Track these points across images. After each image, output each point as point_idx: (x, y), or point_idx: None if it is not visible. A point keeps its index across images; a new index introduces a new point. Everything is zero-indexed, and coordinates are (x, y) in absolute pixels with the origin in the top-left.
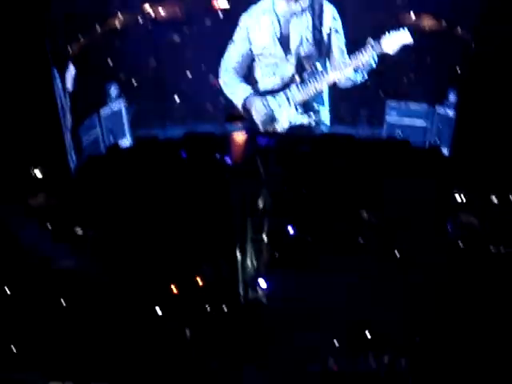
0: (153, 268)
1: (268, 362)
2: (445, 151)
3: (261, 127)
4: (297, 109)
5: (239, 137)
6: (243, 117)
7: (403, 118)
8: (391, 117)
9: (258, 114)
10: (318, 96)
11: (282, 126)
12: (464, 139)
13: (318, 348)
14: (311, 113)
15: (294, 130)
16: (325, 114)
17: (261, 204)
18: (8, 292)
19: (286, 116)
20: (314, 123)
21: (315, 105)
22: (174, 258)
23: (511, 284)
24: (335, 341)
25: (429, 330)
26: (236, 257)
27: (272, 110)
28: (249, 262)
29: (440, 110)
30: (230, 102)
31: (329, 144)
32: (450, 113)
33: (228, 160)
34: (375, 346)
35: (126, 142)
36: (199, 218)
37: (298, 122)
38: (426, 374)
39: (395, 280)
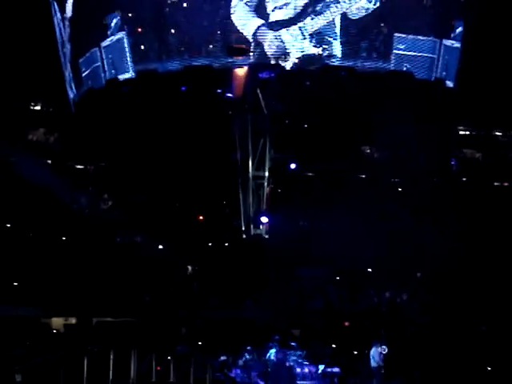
0: (154, 203)
1: (269, 297)
2: (450, 84)
3: (272, 60)
4: (310, 40)
5: (240, 70)
6: (244, 50)
7: (411, 51)
8: (399, 50)
9: (270, 46)
10: (330, 27)
11: (294, 58)
12: (469, 71)
13: (320, 284)
14: (324, 45)
15: (307, 62)
16: (336, 46)
17: (262, 139)
18: (8, 225)
19: (299, 48)
20: (326, 55)
21: (327, 36)
22: (174, 192)
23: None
24: (337, 277)
25: (429, 266)
26: (238, 193)
27: (284, 42)
28: (251, 199)
29: (447, 42)
30: (231, 36)
31: (333, 77)
32: (457, 44)
33: (229, 94)
34: (377, 282)
35: (126, 74)
36: (199, 153)
37: (310, 54)
38: (426, 309)
39: (398, 218)
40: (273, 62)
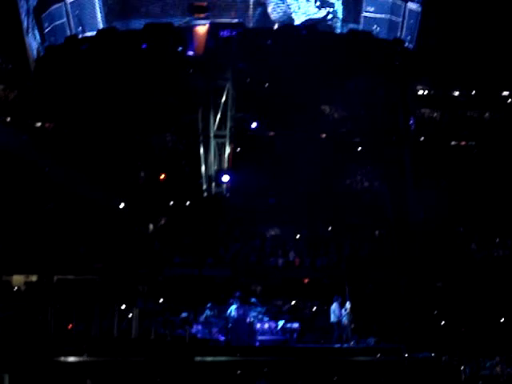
0: (115, 161)
1: (230, 255)
2: (410, 45)
3: (276, 24)
4: (315, 1)
5: (201, 29)
6: (205, 8)
7: (378, 13)
8: (368, 12)
9: (274, 10)
10: None
11: (298, 20)
12: (428, 33)
13: (281, 241)
14: (327, 6)
15: (311, 24)
16: (339, 8)
17: (224, 98)
18: None
19: (304, 10)
20: (330, 17)
21: None
22: (136, 151)
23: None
24: (298, 235)
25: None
26: (199, 152)
27: (289, 5)
28: (212, 157)
29: (411, 5)
30: None
31: (294, 37)
32: (418, 8)
33: (190, 52)
34: (336, 240)
35: (87, 32)
36: (160, 112)
37: (314, 16)
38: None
39: (355, 172)
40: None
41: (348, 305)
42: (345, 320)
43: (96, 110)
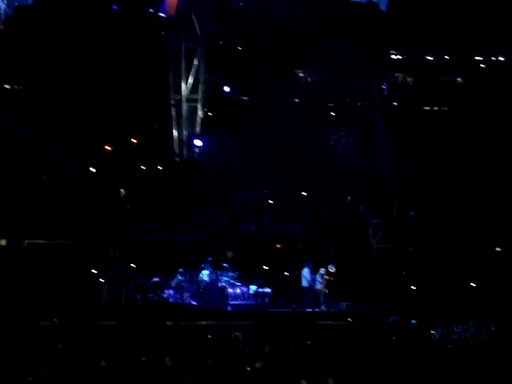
0: (87, 125)
1: (202, 220)
2: (382, 7)
3: None
4: None
5: None
6: None
7: None
8: None
9: None
10: None
11: None
12: None
13: (253, 206)
14: None
15: None
16: None
17: (196, 61)
18: None
19: None
20: None
21: None
22: (107, 115)
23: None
24: (270, 201)
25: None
26: (171, 116)
27: None
28: (184, 121)
29: None
30: None
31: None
32: None
33: (161, 13)
34: (309, 205)
35: None
36: (132, 75)
37: None
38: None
39: (328, 137)
40: None
41: (322, 270)
42: (318, 285)
43: (65, 73)
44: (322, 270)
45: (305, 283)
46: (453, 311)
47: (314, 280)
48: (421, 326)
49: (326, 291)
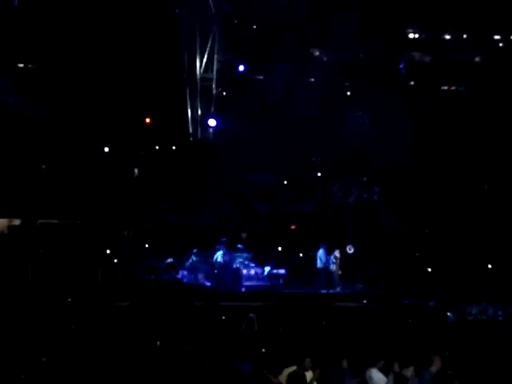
0: (100, 105)
1: (217, 201)
2: None
3: None
4: None
5: None
6: None
7: None
8: None
9: None
10: None
11: None
12: None
13: (268, 187)
14: None
15: None
16: None
17: (210, 40)
18: None
19: None
20: None
21: None
22: (121, 94)
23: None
24: (285, 181)
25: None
26: (185, 95)
27: None
28: (198, 101)
29: None
30: None
31: None
32: None
33: None
34: (324, 185)
35: None
36: (145, 54)
37: None
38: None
39: (344, 117)
40: None
41: (337, 252)
42: (332, 266)
43: (80, 53)
44: (337, 252)
45: (320, 265)
46: (468, 293)
47: (328, 261)
48: (437, 308)
49: (340, 272)
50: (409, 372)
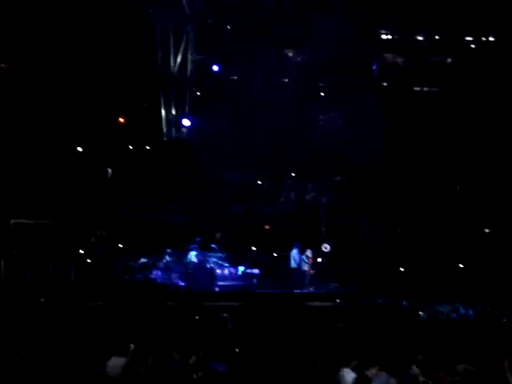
0: (73, 104)
1: (191, 200)
2: None
3: None
4: None
5: None
6: None
7: None
8: None
9: None
10: None
11: None
12: None
13: (243, 187)
14: None
15: None
16: None
17: (184, 40)
18: None
19: None
20: None
21: None
22: (95, 93)
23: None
24: (259, 181)
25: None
26: (159, 95)
27: None
28: (172, 102)
29: None
30: None
31: None
32: None
33: None
34: (298, 185)
35: None
36: (119, 53)
37: None
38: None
39: (318, 117)
40: None
41: (308, 252)
42: (304, 266)
43: (53, 52)
44: (308, 252)
45: (293, 264)
46: (440, 292)
47: (301, 261)
48: (409, 307)
49: (312, 272)
50: (373, 371)
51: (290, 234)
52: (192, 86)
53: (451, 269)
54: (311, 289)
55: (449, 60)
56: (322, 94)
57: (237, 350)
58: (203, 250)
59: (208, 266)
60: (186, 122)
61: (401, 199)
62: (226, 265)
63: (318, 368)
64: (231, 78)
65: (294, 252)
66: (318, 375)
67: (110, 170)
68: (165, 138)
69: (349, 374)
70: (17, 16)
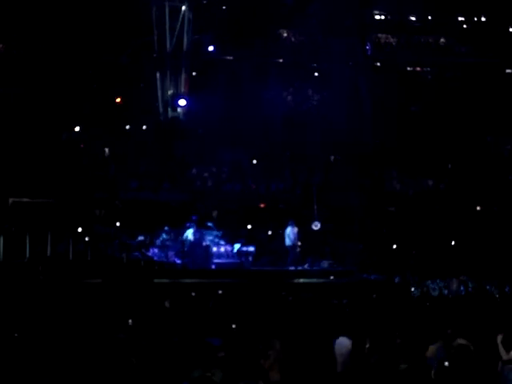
0: (71, 85)
1: (187, 179)
2: None
3: None
4: None
5: None
6: None
7: None
8: None
9: None
10: None
11: None
12: None
13: (238, 166)
14: None
15: None
16: None
17: (180, 20)
18: None
19: None
20: None
21: None
22: (91, 75)
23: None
24: (254, 160)
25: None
26: (155, 75)
27: None
28: (168, 81)
29: None
30: None
31: None
32: None
33: None
34: (292, 165)
35: None
36: (115, 33)
37: None
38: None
39: (311, 97)
40: None
41: (316, 225)
42: (288, 242)
43: (51, 32)
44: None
45: (288, 242)
46: (432, 268)
47: (296, 239)
48: (402, 284)
49: (298, 249)
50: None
51: (284, 212)
52: (188, 66)
53: (443, 245)
54: (306, 266)
55: (441, 40)
56: (316, 74)
57: (233, 326)
58: (200, 228)
59: (204, 243)
60: (181, 102)
61: (393, 177)
62: (222, 243)
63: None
64: (226, 57)
65: (289, 230)
66: (315, 346)
67: (107, 150)
68: (161, 118)
69: (344, 341)
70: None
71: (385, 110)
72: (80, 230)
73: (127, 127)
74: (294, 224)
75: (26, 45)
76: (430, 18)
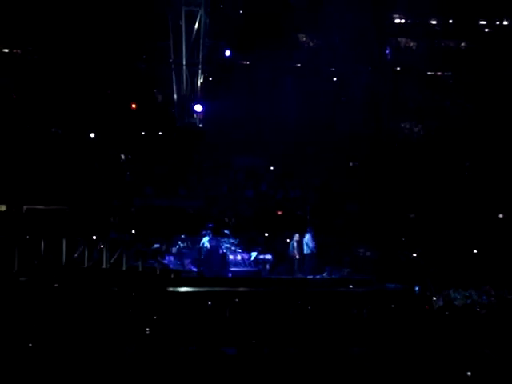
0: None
1: (203, 186)
2: None
3: None
4: None
5: None
6: None
7: None
8: None
9: None
10: None
11: None
12: None
13: (254, 173)
14: None
15: None
16: None
17: (196, 25)
18: None
19: None
20: None
21: None
22: (107, 79)
23: None
24: (271, 167)
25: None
26: (171, 80)
27: None
28: (184, 86)
29: None
30: None
31: None
32: None
33: None
34: (307, 172)
35: None
36: (131, 39)
37: None
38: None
39: (330, 102)
40: None
41: (296, 237)
42: (293, 252)
43: (66, 38)
44: (296, 237)
45: (306, 250)
46: (454, 278)
47: (315, 247)
48: (423, 293)
49: (297, 257)
50: None
51: (302, 220)
52: (204, 72)
53: (464, 254)
54: (324, 274)
55: (462, 44)
56: (334, 78)
57: (249, 336)
58: (216, 235)
59: (221, 251)
60: (198, 108)
61: (414, 184)
62: (239, 250)
63: None
64: (243, 62)
65: (307, 237)
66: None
67: (122, 156)
68: (177, 124)
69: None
70: (29, 2)
71: (404, 114)
72: (95, 237)
73: (143, 133)
74: (313, 232)
75: (42, 50)
76: (450, 21)
